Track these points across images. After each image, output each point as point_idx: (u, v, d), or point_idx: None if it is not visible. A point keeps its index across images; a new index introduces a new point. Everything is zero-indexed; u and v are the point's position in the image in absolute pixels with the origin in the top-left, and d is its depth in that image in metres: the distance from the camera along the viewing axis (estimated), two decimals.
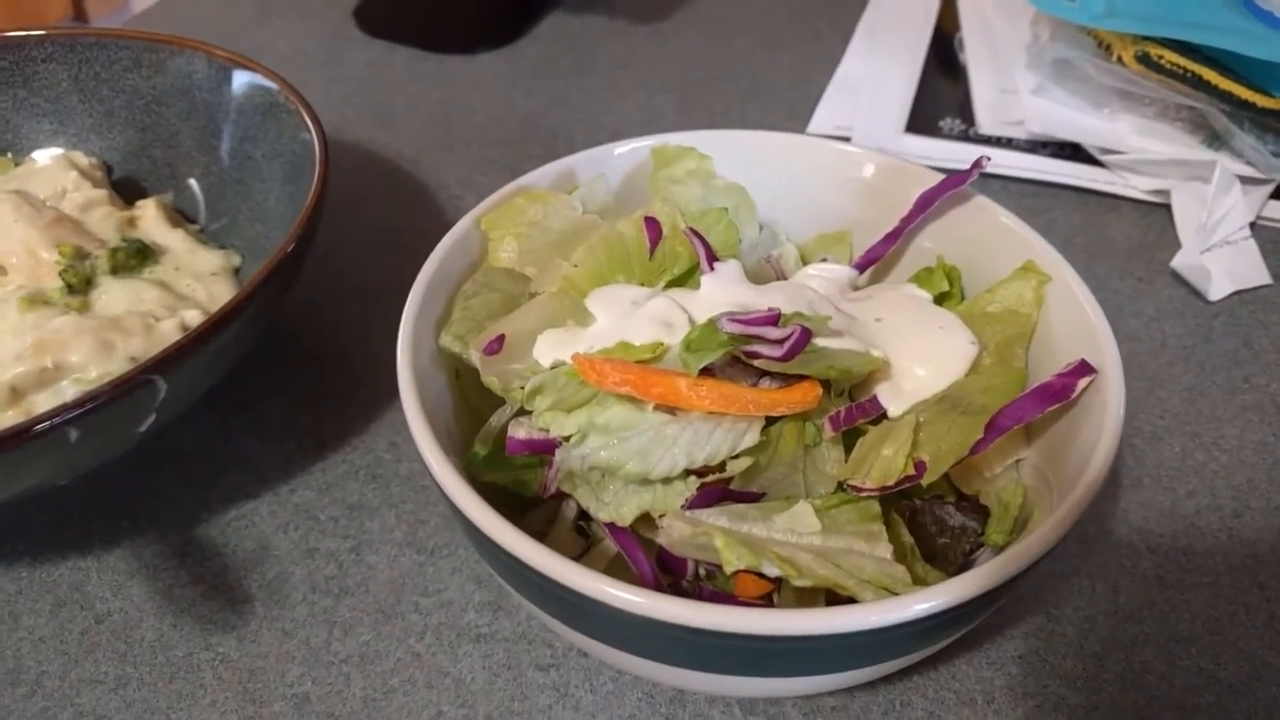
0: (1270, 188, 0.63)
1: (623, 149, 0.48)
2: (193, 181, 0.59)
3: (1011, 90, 0.73)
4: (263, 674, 0.40)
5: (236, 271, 0.54)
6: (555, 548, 0.31)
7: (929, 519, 0.37)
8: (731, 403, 0.35)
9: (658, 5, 0.89)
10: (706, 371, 0.36)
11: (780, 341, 0.35)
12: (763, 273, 0.47)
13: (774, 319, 0.36)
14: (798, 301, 0.39)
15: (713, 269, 0.41)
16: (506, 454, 0.37)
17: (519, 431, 0.37)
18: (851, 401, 0.38)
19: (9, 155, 0.58)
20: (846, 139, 0.69)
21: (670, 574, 0.37)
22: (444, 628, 0.42)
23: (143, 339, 0.46)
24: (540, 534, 0.38)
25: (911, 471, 0.35)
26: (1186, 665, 0.40)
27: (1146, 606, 0.42)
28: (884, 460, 0.36)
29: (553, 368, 0.37)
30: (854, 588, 0.32)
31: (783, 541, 0.34)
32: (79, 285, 0.49)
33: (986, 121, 0.71)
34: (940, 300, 0.44)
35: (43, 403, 0.44)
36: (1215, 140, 0.64)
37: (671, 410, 0.35)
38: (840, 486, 0.36)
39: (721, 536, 0.32)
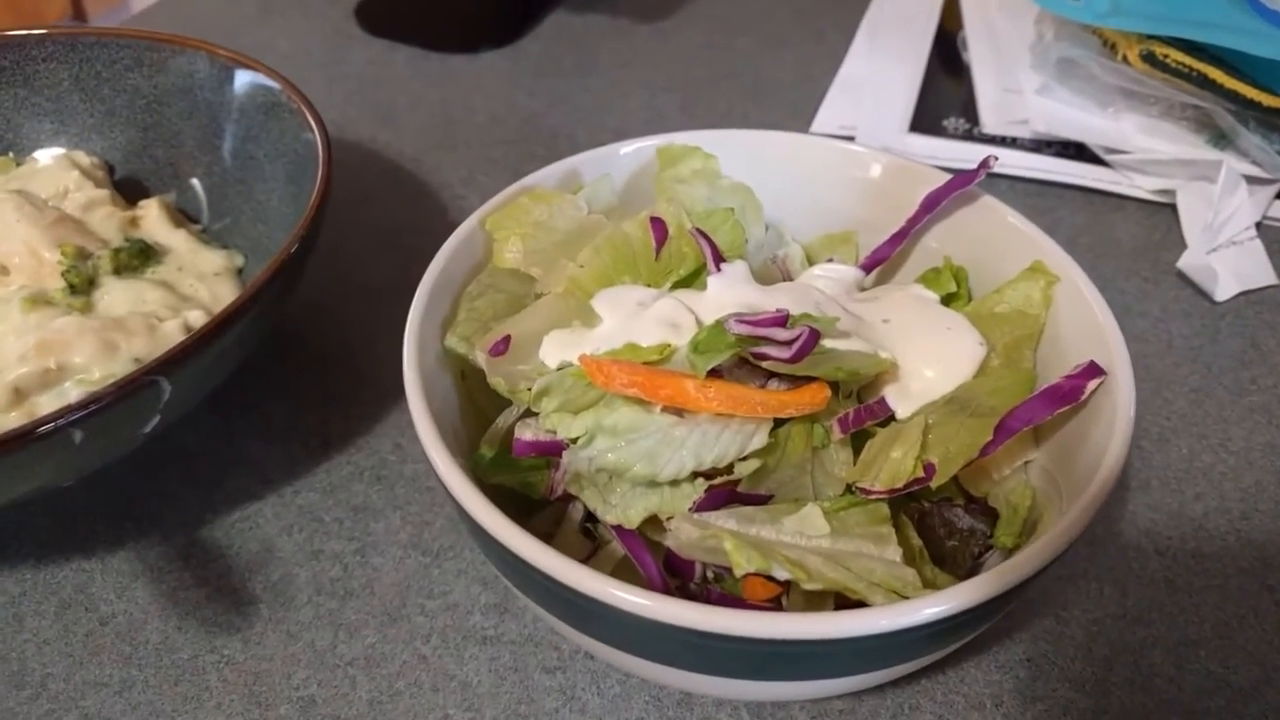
0: (1276, 187, 0.62)
1: (628, 149, 0.47)
2: (195, 181, 0.58)
3: (1016, 89, 0.72)
4: (268, 677, 0.40)
5: (239, 272, 0.54)
6: (562, 550, 0.30)
7: (938, 521, 0.37)
8: (739, 404, 0.35)
9: (660, 4, 0.88)
10: (714, 373, 0.35)
11: (789, 343, 0.35)
12: (769, 273, 0.46)
13: (782, 320, 0.36)
14: (805, 302, 0.39)
15: (719, 270, 0.41)
16: (513, 455, 0.37)
17: (526, 433, 0.36)
18: (859, 403, 0.38)
19: (10, 155, 0.58)
20: (850, 139, 0.69)
21: (678, 577, 0.37)
22: (450, 630, 0.42)
23: (146, 340, 0.46)
24: (547, 536, 0.38)
25: (920, 474, 0.35)
26: (1196, 669, 0.40)
27: (1155, 609, 0.42)
28: (893, 462, 0.35)
29: (559, 369, 0.37)
30: (864, 591, 0.31)
31: (791, 544, 0.34)
32: (81, 286, 0.49)
33: (991, 121, 0.70)
34: (947, 301, 0.44)
35: (46, 404, 0.44)
36: (1221, 139, 0.64)
37: (679, 412, 0.35)
38: (849, 489, 0.36)
39: (730, 539, 0.32)
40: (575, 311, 0.40)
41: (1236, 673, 0.40)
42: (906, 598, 0.31)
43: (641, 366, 0.35)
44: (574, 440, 0.35)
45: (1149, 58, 0.63)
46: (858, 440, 0.37)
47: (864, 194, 0.47)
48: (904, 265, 0.47)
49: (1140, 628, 0.41)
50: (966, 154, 0.68)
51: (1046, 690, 0.39)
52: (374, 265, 0.60)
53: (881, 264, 0.46)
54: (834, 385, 0.37)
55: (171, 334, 0.46)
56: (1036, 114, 0.69)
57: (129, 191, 0.58)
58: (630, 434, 0.35)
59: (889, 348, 0.39)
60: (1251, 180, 0.61)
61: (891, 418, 0.38)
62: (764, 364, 0.35)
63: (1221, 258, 0.58)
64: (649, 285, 0.42)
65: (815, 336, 0.35)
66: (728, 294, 0.40)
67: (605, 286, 0.41)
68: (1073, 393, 0.36)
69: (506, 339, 0.38)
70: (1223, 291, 0.57)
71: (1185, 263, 0.58)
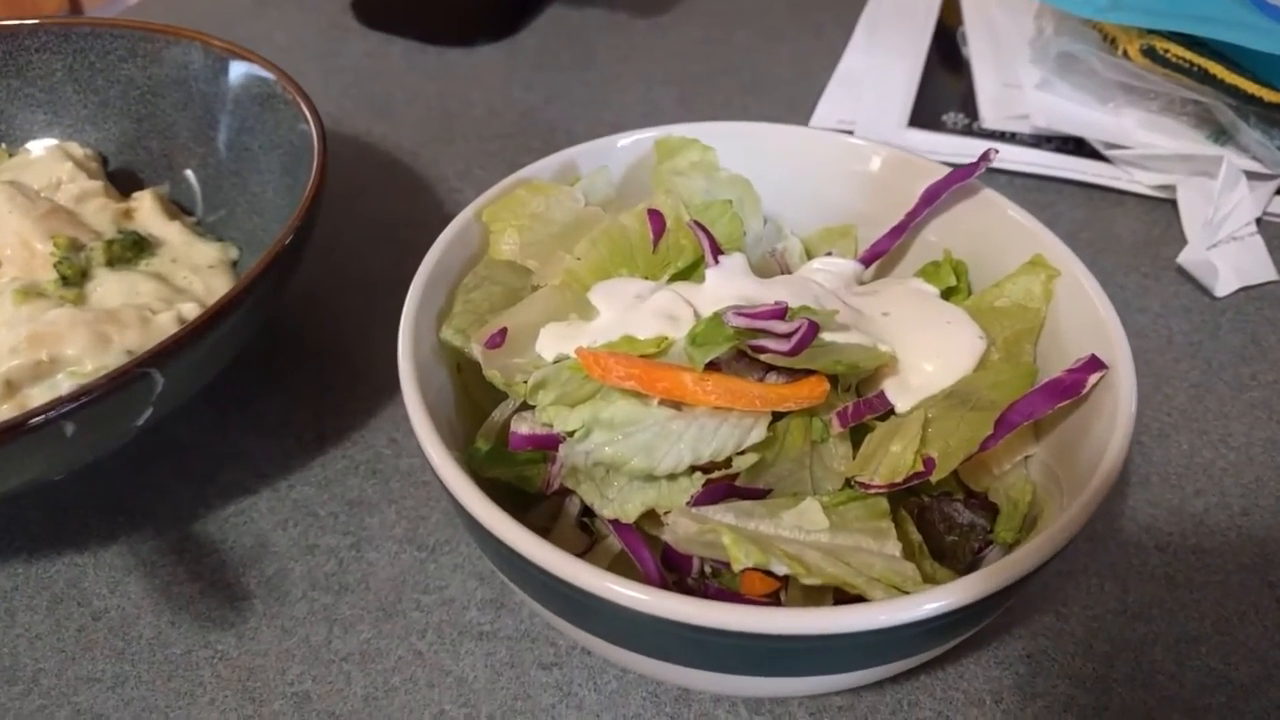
0: (1277, 183, 0.62)
1: (625, 141, 0.47)
2: (189, 173, 0.58)
3: (1015, 84, 0.72)
4: (262, 672, 0.40)
5: (234, 264, 0.54)
6: (558, 544, 0.30)
7: (937, 516, 0.37)
8: (738, 398, 0.34)
9: None
10: (712, 366, 0.35)
11: (787, 336, 0.34)
12: (767, 267, 0.46)
13: (781, 313, 0.35)
14: (804, 295, 0.39)
15: (717, 262, 0.41)
16: (509, 449, 0.36)
17: (522, 426, 0.36)
18: (859, 397, 0.38)
19: (3, 146, 0.58)
20: (849, 133, 0.68)
21: (675, 571, 0.37)
22: (446, 625, 0.41)
23: (139, 332, 0.45)
24: (543, 530, 0.38)
25: (920, 468, 0.35)
26: (1196, 665, 0.40)
27: (1155, 605, 0.42)
28: (892, 457, 0.35)
29: (556, 362, 0.37)
30: (863, 586, 0.31)
31: (790, 539, 0.33)
32: (74, 277, 0.48)
33: (990, 116, 0.70)
34: (947, 295, 0.43)
35: (37, 396, 0.43)
36: (1221, 135, 0.64)
37: (677, 405, 0.35)
38: (848, 483, 0.36)
39: (729, 534, 0.32)
40: (572, 304, 0.39)
41: (1237, 669, 0.39)
42: (906, 593, 0.31)
43: (639, 359, 0.35)
44: (571, 434, 0.35)
45: (1149, 52, 0.63)
46: (857, 434, 0.37)
47: (863, 187, 0.47)
48: (903, 259, 0.47)
49: (1141, 624, 0.41)
50: (966, 149, 0.67)
51: (1046, 686, 0.39)
52: (370, 259, 0.60)
53: (881, 257, 0.46)
54: (833, 379, 0.36)
55: (165, 326, 0.46)
56: (1036, 109, 0.68)
57: (123, 183, 0.57)
58: (627, 427, 0.34)
59: (888, 341, 0.39)
60: (1252, 176, 0.61)
61: (891, 412, 0.37)
62: (762, 357, 0.35)
63: (1222, 253, 0.58)
64: (646, 278, 0.41)
65: (814, 329, 0.35)
66: (726, 287, 0.39)
67: (602, 279, 0.41)
68: (1074, 387, 0.36)
69: (503, 331, 0.38)
70: (1223, 287, 0.56)
71: (1185, 258, 0.58)
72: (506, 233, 0.43)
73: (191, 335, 0.38)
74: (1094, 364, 0.36)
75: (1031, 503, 0.38)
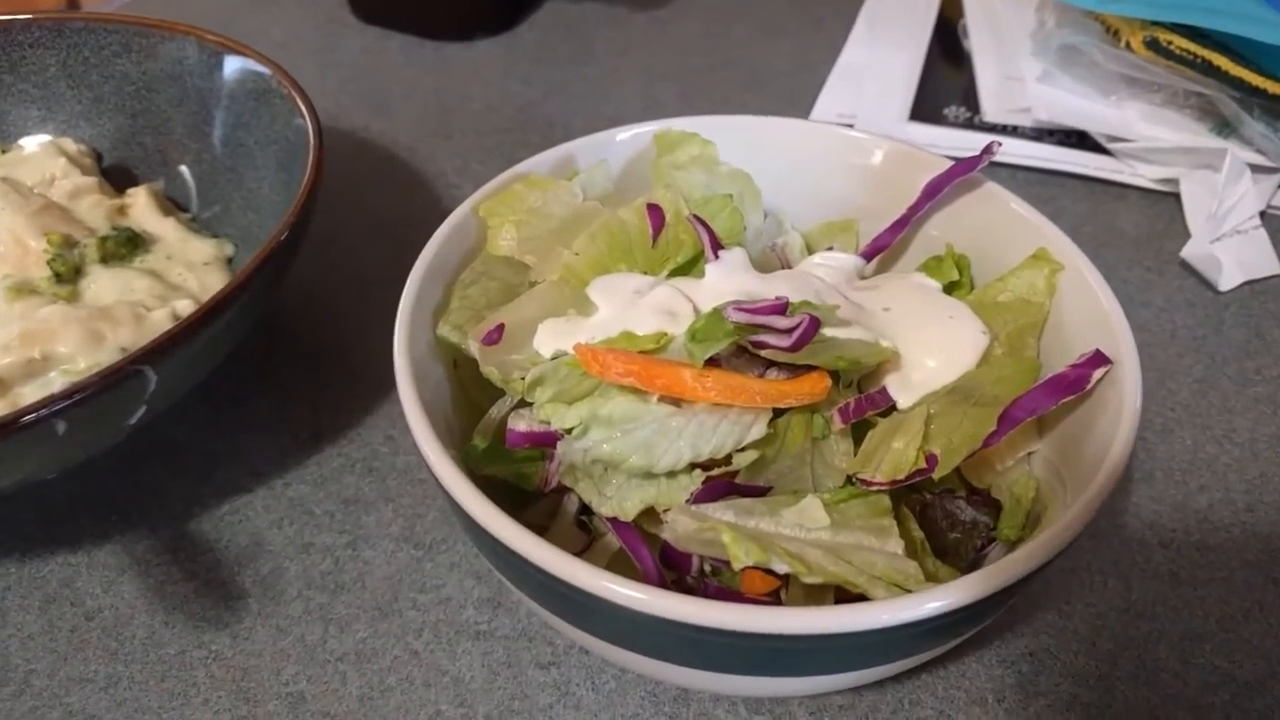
0: None
1: (624, 135, 0.47)
2: (184, 169, 0.58)
3: (1017, 77, 0.71)
4: (257, 672, 0.40)
5: (229, 261, 0.53)
6: (556, 543, 0.30)
7: (940, 513, 0.37)
8: (738, 394, 0.34)
9: None
10: (712, 362, 0.35)
11: (788, 331, 0.34)
12: (767, 261, 0.46)
13: (781, 308, 0.35)
14: (804, 290, 0.38)
15: (717, 257, 0.40)
16: (506, 447, 0.36)
17: (519, 424, 0.36)
18: (860, 393, 0.37)
19: None
20: (850, 127, 0.68)
21: (674, 570, 0.37)
22: (442, 625, 0.41)
23: (133, 329, 0.45)
24: (541, 529, 0.37)
25: (922, 465, 0.34)
26: (1200, 663, 0.39)
27: (1159, 603, 0.41)
28: (894, 453, 0.35)
29: (554, 358, 0.36)
30: (865, 584, 0.31)
31: (791, 537, 0.33)
32: (67, 274, 0.48)
33: (992, 109, 0.70)
34: (950, 289, 0.43)
35: (30, 394, 0.43)
36: (1225, 127, 0.63)
37: (676, 402, 0.34)
38: (849, 480, 0.36)
39: (729, 532, 0.31)
40: (570, 300, 0.39)
41: (1242, 667, 0.39)
42: (908, 591, 0.30)
43: (638, 355, 0.35)
44: (569, 431, 0.34)
45: (1152, 44, 0.63)
46: (858, 431, 0.37)
47: (865, 181, 0.47)
48: (905, 253, 0.47)
49: (1144, 621, 0.41)
50: (967, 143, 0.67)
51: (1049, 685, 0.39)
52: (366, 255, 0.59)
53: (882, 252, 0.45)
54: (834, 375, 0.36)
55: (159, 323, 0.45)
56: (1038, 102, 0.68)
57: (117, 179, 0.57)
58: (626, 424, 0.34)
59: (890, 337, 0.38)
60: (1256, 169, 0.61)
61: (893, 408, 0.37)
62: (763, 353, 0.35)
63: (1225, 247, 0.57)
64: (645, 273, 0.41)
65: (815, 324, 0.34)
66: (726, 282, 0.39)
67: (601, 274, 0.40)
68: (1078, 382, 0.35)
69: (500, 328, 0.37)
70: (1227, 281, 0.56)
71: (1189, 252, 0.58)
72: (504, 228, 0.42)
73: (185, 332, 0.38)
74: (1098, 359, 0.36)
75: (1035, 499, 0.37)
